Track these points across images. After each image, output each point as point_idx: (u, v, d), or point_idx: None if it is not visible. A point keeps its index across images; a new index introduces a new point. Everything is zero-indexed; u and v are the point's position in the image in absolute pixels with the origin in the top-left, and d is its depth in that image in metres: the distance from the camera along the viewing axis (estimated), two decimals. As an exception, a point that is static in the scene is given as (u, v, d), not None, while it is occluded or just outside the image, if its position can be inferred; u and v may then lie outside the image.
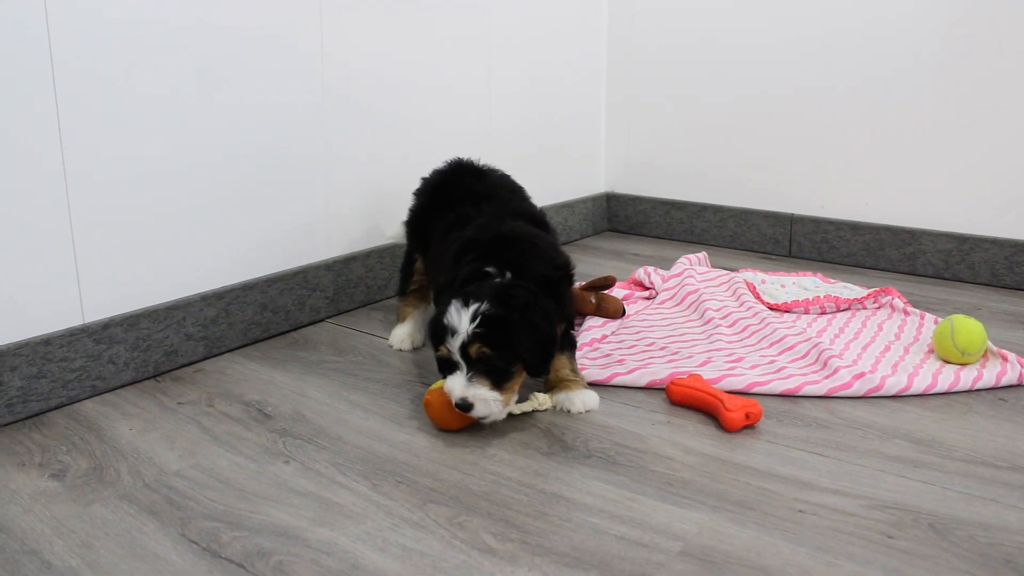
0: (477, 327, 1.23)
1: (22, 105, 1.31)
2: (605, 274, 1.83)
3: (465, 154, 2.01)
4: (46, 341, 1.38)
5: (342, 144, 1.83)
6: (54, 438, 1.31)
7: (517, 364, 1.28)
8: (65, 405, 1.42)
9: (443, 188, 1.65)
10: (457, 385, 1.25)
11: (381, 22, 1.87)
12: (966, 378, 1.47)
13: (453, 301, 1.26)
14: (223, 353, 1.65)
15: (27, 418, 1.37)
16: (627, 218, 2.73)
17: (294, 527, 1.07)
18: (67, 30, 1.34)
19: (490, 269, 1.35)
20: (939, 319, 1.76)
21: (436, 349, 1.29)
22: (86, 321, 1.44)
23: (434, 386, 1.34)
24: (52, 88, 1.34)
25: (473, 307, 1.24)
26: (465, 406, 1.24)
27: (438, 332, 1.28)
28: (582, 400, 1.37)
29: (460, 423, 1.32)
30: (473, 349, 1.24)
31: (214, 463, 1.23)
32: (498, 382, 1.26)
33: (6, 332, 1.34)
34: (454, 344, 1.25)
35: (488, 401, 1.25)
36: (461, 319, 1.24)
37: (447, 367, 1.28)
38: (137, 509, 1.11)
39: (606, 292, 1.82)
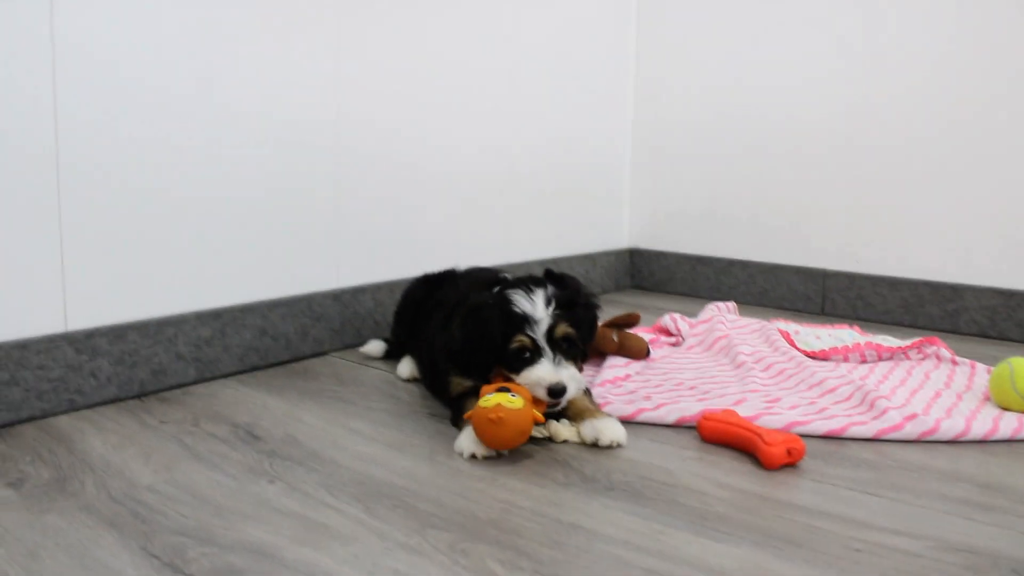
0: (555, 310, 1.22)
1: (16, 97, 1.24)
2: (628, 311, 1.71)
3: (484, 198, 1.95)
4: (22, 345, 1.27)
5: (354, 181, 1.75)
6: (19, 448, 1.19)
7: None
8: (38, 418, 1.30)
9: (436, 280, 1.61)
10: (548, 370, 1.21)
11: (406, 75, 1.82)
12: (1031, 425, 1.32)
13: (512, 292, 1.24)
14: (216, 378, 1.53)
15: (-7, 429, 1.25)
16: (651, 274, 2.62)
17: (271, 545, 0.93)
18: (70, 26, 1.28)
19: (507, 276, 1.35)
20: (992, 369, 1.61)
21: (508, 343, 1.23)
22: (68, 328, 1.33)
23: (487, 403, 1.15)
24: (51, 84, 1.27)
25: (542, 292, 1.24)
26: (560, 389, 1.21)
27: (513, 324, 1.22)
28: (611, 430, 1.23)
29: (527, 432, 1.17)
30: (559, 331, 1.23)
31: (191, 479, 1.10)
32: (576, 361, 1.26)
33: (-21, 333, 1.24)
34: (538, 330, 1.22)
35: (577, 380, 1.24)
36: (536, 305, 1.22)
37: (521, 357, 1.23)
38: (96, 520, 0.98)
39: (630, 331, 1.69)
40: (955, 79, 2.04)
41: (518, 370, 1.23)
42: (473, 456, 1.18)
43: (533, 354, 1.23)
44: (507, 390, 1.17)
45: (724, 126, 2.43)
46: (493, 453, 1.18)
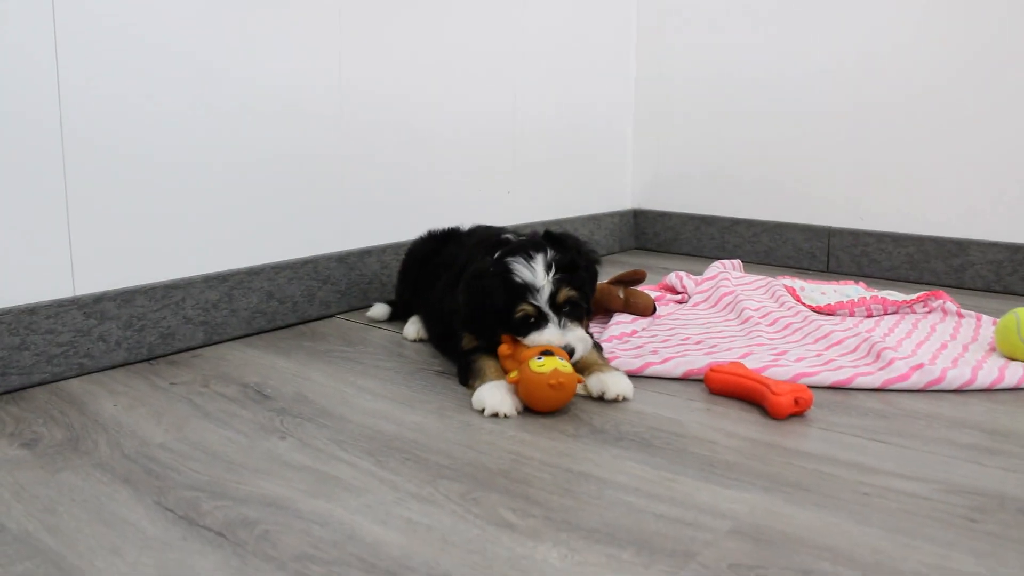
0: (555, 275, 1.22)
1: (18, 64, 1.23)
2: (634, 268, 1.71)
3: (489, 161, 1.94)
4: (31, 310, 1.27)
5: (359, 145, 1.74)
6: (31, 411, 1.20)
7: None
8: (49, 382, 1.31)
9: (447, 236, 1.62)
10: (555, 335, 1.22)
11: (413, 45, 1.80)
12: (1038, 373, 1.33)
13: (512, 260, 1.23)
14: (224, 341, 1.54)
15: (5, 392, 1.26)
16: (656, 235, 2.61)
17: (285, 498, 0.94)
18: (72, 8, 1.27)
19: (509, 236, 1.32)
20: (997, 320, 1.61)
21: (512, 312, 1.23)
22: (77, 293, 1.33)
23: (541, 368, 1.15)
24: (53, 47, 1.26)
25: (541, 258, 1.23)
26: (568, 352, 1.21)
27: (515, 293, 1.22)
28: (617, 384, 1.23)
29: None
30: (562, 296, 1.23)
31: (202, 437, 1.11)
32: (581, 320, 1.27)
33: (-12, 297, 1.24)
34: (542, 297, 1.22)
35: (584, 340, 1.24)
36: (536, 273, 1.22)
37: (527, 324, 1.23)
38: (111, 477, 0.99)
39: (635, 288, 1.69)
40: (960, 35, 2.01)
41: (525, 335, 1.23)
42: (495, 415, 1.18)
43: (538, 320, 1.23)
44: (551, 353, 1.18)
45: (726, 85, 2.40)
46: (516, 413, 1.19)
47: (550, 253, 1.24)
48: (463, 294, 1.28)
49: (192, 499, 0.94)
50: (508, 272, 1.23)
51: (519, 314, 1.22)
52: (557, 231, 1.35)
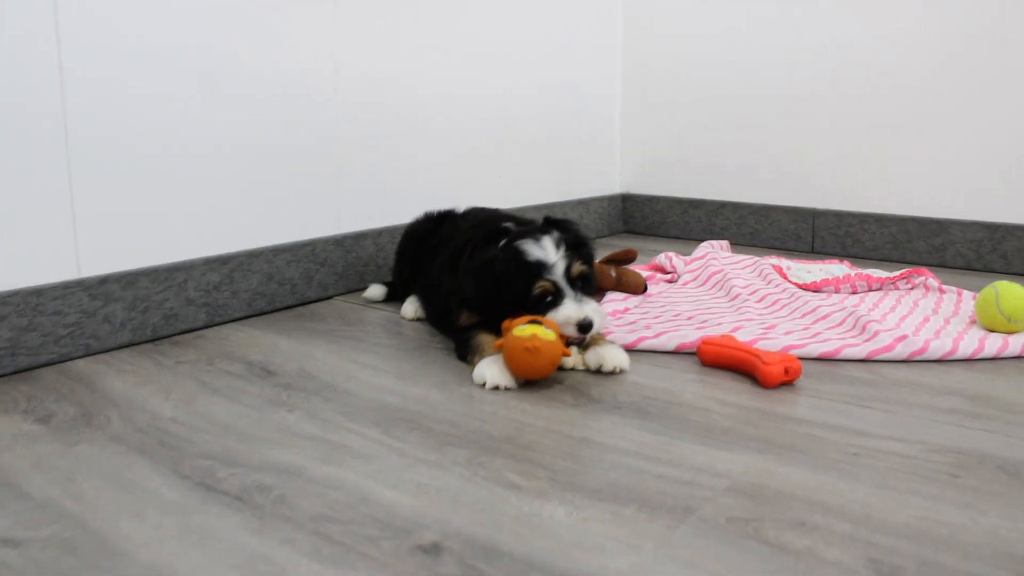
0: (567, 251, 1.27)
1: (24, 45, 1.25)
2: (626, 247, 1.75)
3: (480, 145, 1.98)
4: (38, 292, 1.30)
5: (354, 130, 1.77)
6: (41, 389, 1.22)
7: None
8: (56, 363, 1.33)
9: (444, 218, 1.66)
10: (573, 308, 1.26)
11: (401, 30, 1.83)
12: (1015, 343, 1.38)
13: (521, 243, 1.27)
14: (225, 322, 1.57)
15: (14, 372, 1.28)
16: (644, 218, 2.65)
17: (297, 465, 0.97)
18: (72, -34, 1.29)
19: (509, 225, 1.37)
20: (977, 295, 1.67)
21: (530, 291, 1.26)
22: (82, 275, 1.36)
23: (521, 332, 1.19)
24: (55, 30, 1.28)
25: (549, 237, 1.28)
26: (587, 324, 1.25)
27: (530, 272, 1.26)
28: (614, 356, 1.27)
29: (556, 363, 1.22)
30: (575, 270, 1.27)
31: (212, 411, 1.14)
32: (593, 295, 1.31)
33: (-5, 278, 1.26)
34: (556, 273, 1.26)
35: (600, 313, 1.28)
36: (548, 251, 1.26)
37: (543, 301, 1.27)
38: (126, 449, 1.02)
39: (627, 267, 1.73)
40: (942, 24, 2.06)
41: (543, 313, 1.26)
42: (495, 387, 1.22)
43: (555, 296, 1.26)
44: (538, 322, 1.21)
45: (713, 72, 2.45)
46: (516, 385, 1.22)
47: (556, 233, 1.29)
48: (472, 280, 1.31)
49: (207, 467, 0.97)
50: (520, 254, 1.26)
51: (537, 291, 1.26)
52: (556, 216, 1.39)
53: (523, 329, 1.19)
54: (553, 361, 1.20)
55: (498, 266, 1.28)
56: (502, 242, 1.31)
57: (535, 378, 1.23)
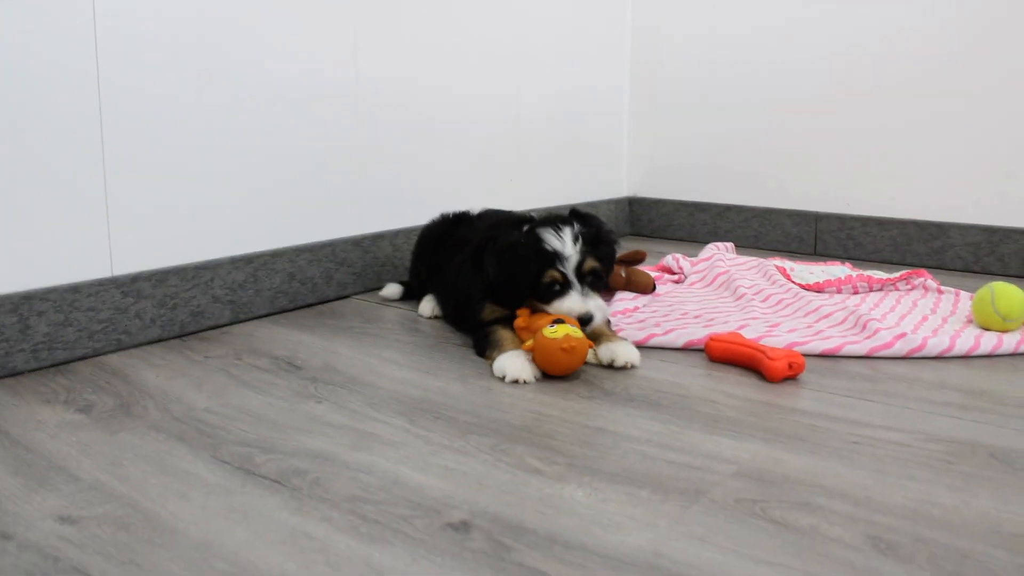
0: (583, 246, 1.32)
1: (61, 48, 1.31)
2: (635, 248, 1.81)
3: (493, 150, 2.03)
4: (74, 288, 1.36)
5: (372, 135, 1.83)
6: (79, 382, 1.28)
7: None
8: (90, 357, 1.39)
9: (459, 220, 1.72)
10: (576, 301, 1.32)
11: (422, 36, 1.89)
12: (1010, 341, 1.44)
13: (542, 231, 1.32)
14: (250, 320, 1.63)
15: (52, 366, 1.34)
16: (650, 221, 2.71)
17: (330, 452, 1.03)
18: (109, -22, 1.35)
19: (534, 215, 1.43)
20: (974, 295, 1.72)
21: (540, 278, 1.32)
22: (115, 273, 1.42)
23: (554, 334, 1.25)
24: (92, 30, 1.34)
25: (569, 230, 1.33)
26: (588, 317, 1.31)
27: (545, 260, 1.32)
28: (626, 352, 1.33)
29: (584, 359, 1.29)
30: (587, 266, 1.33)
31: (244, 403, 1.20)
32: (600, 292, 1.37)
33: (34, 276, 1.32)
34: (568, 265, 1.32)
35: (602, 309, 1.34)
36: (565, 243, 1.32)
37: (551, 290, 1.33)
38: (166, 436, 1.08)
39: (636, 267, 1.79)
40: (943, 29, 2.12)
41: (549, 301, 1.33)
42: (515, 381, 1.27)
43: (563, 287, 1.33)
44: (562, 321, 1.27)
45: (719, 77, 2.51)
46: (534, 380, 1.28)
47: (577, 227, 1.35)
48: (494, 263, 1.37)
49: (245, 453, 1.03)
50: (539, 241, 1.32)
51: (546, 279, 1.32)
52: (582, 210, 1.45)
53: (554, 331, 1.25)
54: (583, 357, 1.27)
55: (520, 249, 1.34)
56: (525, 227, 1.37)
57: (568, 374, 1.29)
